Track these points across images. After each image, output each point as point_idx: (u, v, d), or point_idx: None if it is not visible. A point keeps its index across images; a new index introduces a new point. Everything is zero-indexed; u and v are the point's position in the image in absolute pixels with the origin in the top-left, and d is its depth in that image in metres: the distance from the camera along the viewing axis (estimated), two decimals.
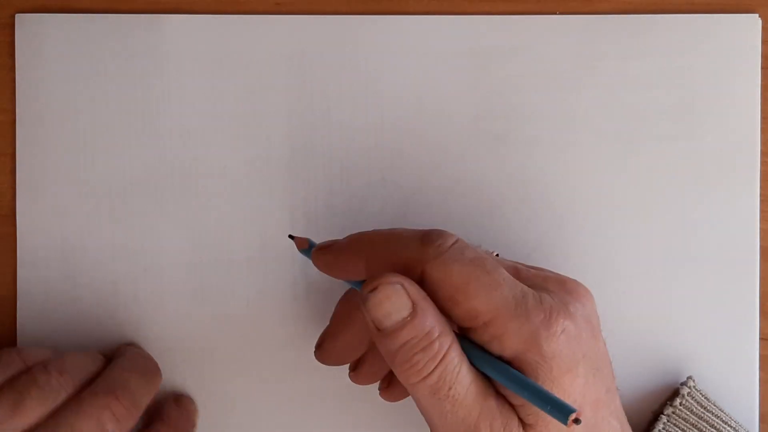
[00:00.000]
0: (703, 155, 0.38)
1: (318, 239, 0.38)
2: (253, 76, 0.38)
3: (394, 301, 0.30)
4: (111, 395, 0.34)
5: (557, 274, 0.32)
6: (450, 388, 0.30)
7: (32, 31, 0.38)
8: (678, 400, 0.35)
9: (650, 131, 0.38)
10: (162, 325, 0.38)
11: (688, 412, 0.35)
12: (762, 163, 0.38)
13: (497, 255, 0.34)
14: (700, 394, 0.35)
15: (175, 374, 0.39)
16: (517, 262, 0.33)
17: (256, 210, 0.39)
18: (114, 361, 0.37)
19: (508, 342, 0.30)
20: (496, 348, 0.30)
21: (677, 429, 0.34)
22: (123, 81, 0.38)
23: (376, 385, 0.38)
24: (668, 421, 0.34)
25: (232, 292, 0.39)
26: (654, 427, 0.33)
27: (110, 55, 0.38)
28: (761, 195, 0.38)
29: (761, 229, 0.38)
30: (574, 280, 0.32)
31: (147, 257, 0.38)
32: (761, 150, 0.38)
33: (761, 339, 0.38)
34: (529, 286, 0.31)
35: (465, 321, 0.30)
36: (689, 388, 0.35)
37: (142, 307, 0.38)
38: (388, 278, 0.30)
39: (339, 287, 0.39)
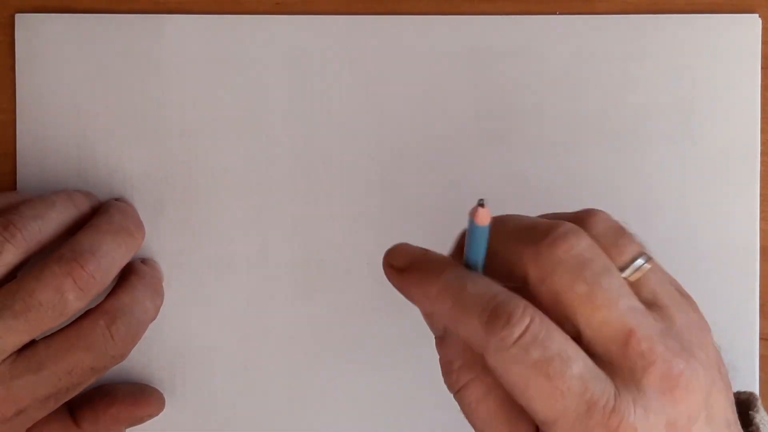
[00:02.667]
0: (703, 155, 0.38)
1: (318, 238, 0.38)
2: (253, 76, 0.38)
3: (428, 322, 0.30)
4: (75, 262, 0.33)
5: (684, 331, 0.28)
6: (470, 414, 0.30)
7: (32, 31, 0.38)
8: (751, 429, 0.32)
9: (650, 131, 0.38)
10: (162, 325, 0.38)
11: None
12: (762, 163, 0.38)
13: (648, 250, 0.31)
14: None
15: (175, 374, 0.39)
16: (666, 290, 0.29)
17: (256, 210, 0.39)
18: (93, 218, 0.36)
19: None
20: None
21: None
22: (123, 81, 0.38)
23: (377, 385, 0.38)
24: None
25: (232, 292, 0.39)
26: None
27: (110, 55, 0.38)
28: (761, 195, 0.38)
29: (761, 229, 0.38)
30: (688, 363, 0.27)
31: (147, 257, 0.38)
32: (761, 150, 0.38)
33: (761, 339, 0.38)
34: (624, 366, 0.27)
35: (529, 413, 0.28)
36: (759, 415, 0.33)
37: None
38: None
39: (339, 287, 0.39)
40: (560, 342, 0.27)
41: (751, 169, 0.38)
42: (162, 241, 0.38)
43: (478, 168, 0.38)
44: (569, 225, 0.29)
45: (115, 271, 0.35)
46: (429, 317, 0.31)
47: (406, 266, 0.30)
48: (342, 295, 0.38)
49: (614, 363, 0.27)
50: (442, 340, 0.30)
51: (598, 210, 0.31)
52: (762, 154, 0.38)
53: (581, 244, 0.28)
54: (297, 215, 0.39)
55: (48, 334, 0.33)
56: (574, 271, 0.28)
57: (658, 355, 0.27)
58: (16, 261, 0.33)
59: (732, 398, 0.30)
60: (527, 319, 0.27)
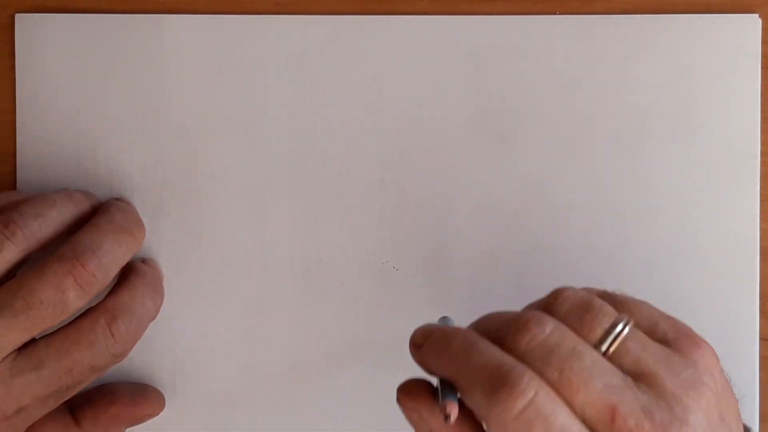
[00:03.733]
0: (703, 155, 0.38)
1: (318, 238, 0.38)
2: (253, 76, 0.38)
3: (411, 423, 0.30)
4: (76, 260, 0.33)
5: (675, 393, 0.28)
6: None
7: (32, 31, 0.38)
8: None
9: (650, 131, 0.38)
10: (162, 325, 0.38)
11: None
12: (762, 163, 0.38)
13: (624, 295, 0.31)
14: None
15: (175, 374, 0.39)
16: (649, 353, 0.29)
17: (257, 210, 0.39)
18: (92, 218, 0.36)
19: None
20: None
21: None
22: (123, 81, 0.38)
23: (377, 385, 0.38)
24: None
25: (232, 291, 0.39)
26: None
27: (110, 55, 0.38)
28: (761, 195, 0.38)
29: (761, 229, 0.38)
30: (683, 430, 0.27)
31: (147, 257, 0.38)
32: (761, 150, 0.38)
33: (761, 339, 0.38)
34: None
35: None
36: None
37: None
38: (402, 398, 0.30)
39: (339, 287, 0.39)
40: (563, 418, 0.27)
41: (751, 169, 0.38)
42: (162, 241, 0.38)
43: (478, 168, 0.38)
44: (531, 313, 0.29)
45: (115, 269, 0.35)
46: (410, 419, 0.30)
47: (424, 341, 0.30)
48: (342, 295, 0.38)
49: None
50: None
51: (563, 289, 0.31)
52: (762, 154, 0.38)
53: (545, 331, 0.28)
54: (297, 215, 0.39)
55: (48, 332, 0.33)
56: (542, 360, 0.28)
57: (646, 430, 0.27)
58: (16, 259, 0.33)
59: (739, 425, 0.30)
60: (532, 392, 0.27)
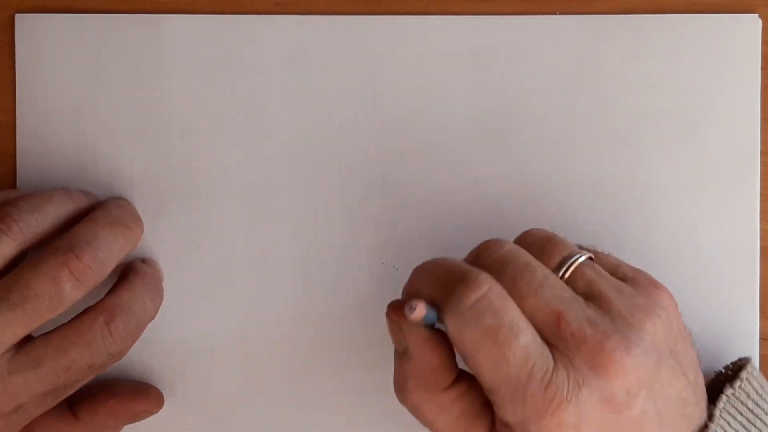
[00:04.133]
0: (703, 155, 0.38)
1: (318, 239, 0.38)
2: (253, 76, 0.38)
3: (392, 335, 0.33)
4: (71, 252, 0.33)
5: (622, 313, 0.30)
6: (428, 426, 0.32)
7: (32, 31, 0.38)
8: (737, 383, 0.34)
9: (650, 131, 0.38)
10: (162, 325, 0.38)
11: (745, 396, 0.34)
12: (762, 163, 0.38)
13: (591, 257, 0.32)
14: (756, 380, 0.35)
15: (175, 374, 0.39)
16: (603, 279, 0.31)
17: (256, 210, 0.39)
18: (90, 213, 0.36)
19: (504, 415, 0.30)
20: (497, 412, 0.30)
21: (736, 411, 0.34)
22: (123, 81, 0.38)
23: (377, 385, 0.38)
24: (727, 401, 0.34)
25: (232, 291, 0.39)
26: (715, 407, 0.33)
27: (110, 55, 0.38)
28: (761, 195, 0.38)
29: (761, 229, 0.38)
30: (620, 342, 0.29)
31: (147, 257, 0.38)
32: (761, 150, 0.38)
33: (761, 339, 0.38)
34: (560, 346, 0.29)
35: (477, 378, 0.31)
36: (748, 372, 0.34)
37: None
38: (388, 312, 0.32)
39: (339, 287, 0.39)
40: (513, 314, 0.29)
41: (751, 169, 0.38)
42: (162, 241, 0.38)
43: (478, 168, 0.38)
44: (492, 239, 0.32)
45: (112, 263, 0.35)
46: (392, 332, 0.33)
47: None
48: (342, 295, 0.38)
49: (551, 343, 0.30)
50: (401, 356, 0.32)
51: (531, 229, 0.34)
52: (762, 154, 0.38)
53: (502, 249, 0.32)
54: (297, 215, 0.39)
55: (47, 329, 0.33)
56: (498, 270, 0.31)
57: (588, 335, 0.29)
58: (13, 253, 0.33)
59: (695, 379, 0.32)
60: (485, 287, 0.30)
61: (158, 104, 0.38)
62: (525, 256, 0.31)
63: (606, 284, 0.31)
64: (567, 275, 0.31)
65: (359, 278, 0.38)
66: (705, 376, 0.33)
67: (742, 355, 0.36)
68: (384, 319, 0.38)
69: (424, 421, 0.32)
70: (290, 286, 0.39)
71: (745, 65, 0.38)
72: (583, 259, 0.32)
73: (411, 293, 0.33)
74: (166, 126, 0.39)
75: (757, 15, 0.38)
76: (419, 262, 0.36)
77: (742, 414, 0.33)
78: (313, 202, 0.39)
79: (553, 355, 0.29)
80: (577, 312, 0.30)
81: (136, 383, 0.38)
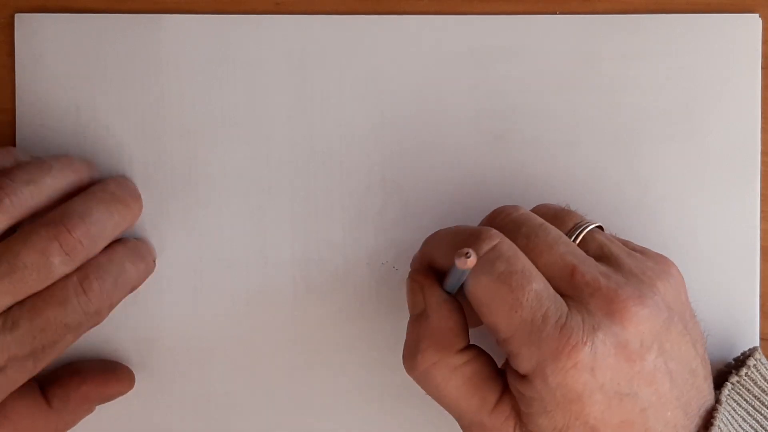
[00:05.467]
0: (703, 155, 0.38)
1: (318, 239, 0.38)
2: (253, 76, 0.38)
3: (411, 297, 0.34)
4: (62, 226, 0.33)
5: (634, 271, 0.31)
6: (439, 394, 0.33)
7: (32, 31, 0.38)
8: (744, 370, 0.34)
9: (650, 131, 0.38)
10: (162, 325, 0.38)
11: (752, 384, 0.34)
12: (762, 163, 0.38)
13: (600, 227, 0.34)
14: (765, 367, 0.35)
15: (175, 374, 0.39)
16: (614, 243, 0.32)
17: (256, 210, 0.39)
18: (88, 188, 0.35)
19: (520, 364, 0.30)
20: (512, 363, 0.31)
21: (741, 398, 0.34)
22: (123, 81, 0.38)
23: (377, 385, 0.38)
24: (732, 389, 0.34)
25: (232, 292, 0.39)
26: (720, 393, 0.33)
27: (110, 55, 0.38)
28: (761, 195, 0.38)
29: (761, 229, 0.38)
30: (633, 292, 0.30)
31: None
32: (761, 150, 0.38)
33: (761, 339, 0.38)
34: (574, 296, 0.30)
35: (490, 332, 0.31)
36: (756, 360, 0.35)
37: (142, 307, 0.38)
38: (412, 273, 0.34)
39: (339, 287, 0.39)
40: (524, 262, 0.31)
41: (751, 169, 0.38)
42: (162, 241, 0.38)
43: (478, 168, 0.38)
44: (506, 204, 0.34)
45: (105, 239, 0.34)
46: (412, 292, 0.34)
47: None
48: (342, 295, 0.38)
49: (566, 294, 0.30)
50: (417, 318, 0.33)
51: (546, 203, 0.35)
52: (762, 154, 0.38)
53: (518, 212, 0.33)
54: (297, 215, 0.39)
55: None
56: (513, 230, 0.32)
57: (602, 284, 0.30)
58: (4, 227, 0.33)
59: (703, 354, 0.32)
60: (496, 239, 0.31)
61: (158, 104, 0.38)
62: (538, 218, 0.33)
63: (617, 247, 0.32)
64: (579, 239, 0.33)
65: (359, 278, 0.38)
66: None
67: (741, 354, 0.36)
68: (385, 318, 0.39)
69: (434, 388, 0.32)
70: (290, 286, 0.39)
71: (745, 65, 0.38)
72: (593, 226, 0.33)
73: (424, 259, 0.34)
74: (166, 126, 0.39)
75: (757, 15, 0.38)
76: None
77: (747, 401, 0.33)
78: (313, 202, 0.39)
79: (567, 304, 0.30)
80: (590, 266, 0.31)
81: (105, 364, 0.38)
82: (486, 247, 0.31)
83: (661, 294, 0.31)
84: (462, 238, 0.32)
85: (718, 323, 0.38)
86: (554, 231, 0.32)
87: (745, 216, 0.38)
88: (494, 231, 0.31)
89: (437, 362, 0.32)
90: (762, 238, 0.38)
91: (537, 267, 0.31)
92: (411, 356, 0.33)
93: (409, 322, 0.34)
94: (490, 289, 0.30)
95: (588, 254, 0.32)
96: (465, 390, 0.32)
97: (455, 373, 0.32)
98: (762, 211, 0.38)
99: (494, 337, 0.31)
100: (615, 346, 0.29)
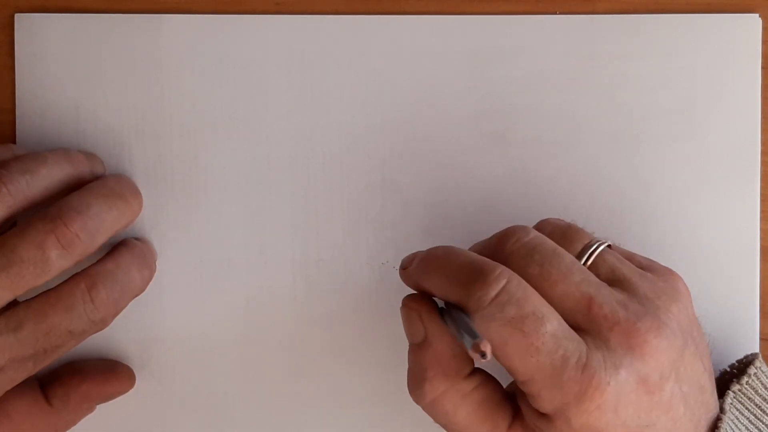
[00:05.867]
0: (703, 155, 0.38)
1: (318, 238, 0.38)
2: (253, 76, 0.38)
3: (409, 326, 0.32)
4: (59, 220, 0.32)
5: (649, 296, 0.30)
6: (448, 422, 0.32)
7: (32, 31, 0.38)
8: (745, 379, 0.34)
9: (650, 131, 0.38)
10: (162, 325, 0.38)
11: (753, 392, 0.34)
12: (762, 163, 0.38)
13: (609, 246, 0.33)
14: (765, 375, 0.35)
15: (175, 374, 0.39)
16: (624, 265, 0.32)
17: (256, 210, 0.39)
18: (87, 184, 0.35)
19: (541, 404, 0.30)
20: (533, 403, 0.30)
21: (743, 407, 0.34)
22: (123, 81, 0.38)
23: (377, 385, 0.38)
24: (734, 397, 0.34)
25: (232, 292, 0.39)
26: (723, 402, 0.33)
27: (110, 55, 0.38)
28: (761, 195, 0.38)
29: (761, 229, 0.38)
30: (652, 324, 0.29)
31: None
32: (761, 150, 0.38)
33: (761, 339, 0.38)
34: (592, 330, 0.29)
35: (508, 372, 0.30)
36: (756, 368, 0.35)
37: (142, 307, 0.38)
38: (407, 301, 0.33)
39: (339, 287, 0.39)
40: (535, 302, 0.29)
41: (751, 169, 0.38)
42: (162, 240, 0.38)
43: (478, 168, 0.38)
44: (516, 225, 0.32)
45: (103, 234, 0.34)
46: (410, 321, 0.32)
47: (410, 262, 0.33)
48: (342, 295, 0.38)
49: (582, 328, 0.29)
50: (418, 347, 0.32)
51: (549, 218, 0.34)
52: (762, 154, 0.38)
53: (528, 236, 0.32)
54: (297, 215, 0.39)
55: (32, 296, 0.33)
56: (525, 257, 0.31)
57: (621, 317, 0.29)
58: (1, 216, 0.33)
59: (710, 367, 0.32)
60: (503, 280, 0.29)
61: (158, 104, 0.38)
62: (551, 242, 0.32)
63: (628, 270, 0.32)
64: (589, 262, 0.32)
65: (359, 278, 0.38)
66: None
67: (742, 356, 0.36)
68: (384, 318, 0.39)
69: (443, 416, 0.32)
70: (290, 286, 0.39)
71: (745, 65, 0.38)
72: (603, 247, 0.32)
73: (419, 282, 0.33)
74: (166, 126, 0.39)
75: (757, 15, 0.38)
76: None
77: (749, 410, 0.33)
78: (313, 202, 0.39)
79: (584, 340, 0.29)
80: (607, 296, 0.30)
81: (106, 363, 0.38)
82: (493, 291, 0.29)
83: (675, 318, 0.30)
84: (466, 276, 0.30)
85: (718, 323, 0.38)
86: (568, 257, 0.31)
87: (745, 216, 0.38)
88: (500, 269, 0.30)
89: (446, 390, 0.31)
90: (762, 238, 0.38)
91: (551, 298, 0.30)
92: (418, 386, 0.32)
93: (410, 351, 0.33)
94: (502, 335, 0.29)
95: (599, 278, 0.31)
96: (476, 417, 0.31)
97: (465, 400, 0.31)
98: (762, 211, 0.38)
99: (512, 377, 0.30)
100: (637, 382, 0.29)
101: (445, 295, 0.31)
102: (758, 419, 0.33)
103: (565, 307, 0.30)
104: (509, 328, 0.29)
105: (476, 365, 0.32)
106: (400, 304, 0.33)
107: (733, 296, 0.38)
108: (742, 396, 0.34)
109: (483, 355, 0.27)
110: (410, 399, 0.38)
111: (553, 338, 0.29)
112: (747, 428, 0.33)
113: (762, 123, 0.38)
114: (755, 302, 0.38)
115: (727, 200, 0.38)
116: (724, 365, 0.36)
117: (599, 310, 0.29)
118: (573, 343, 0.29)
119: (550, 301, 0.30)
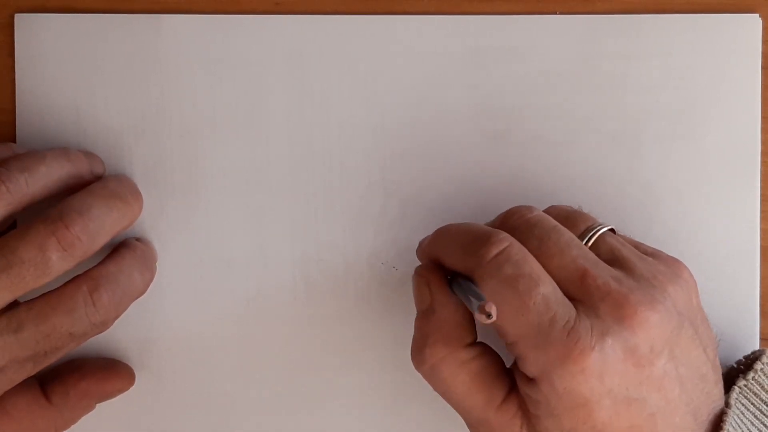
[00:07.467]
0: (704, 155, 0.38)
1: (318, 239, 0.38)
2: (253, 76, 0.38)
3: (418, 292, 0.34)
4: (60, 221, 0.32)
5: (645, 276, 0.31)
6: (446, 389, 0.33)
7: (32, 31, 0.38)
8: (751, 374, 0.35)
9: (650, 131, 0.38)
10: (162, 325, 0.38)
11: (759, 388, 0.34)
12: (762, 163, 0.38)
13: (612, 230, 0.34)
14: None
15: (175, 374, 0.39)
16: (626, 247, 0.32)
17: (256, 210, 0.39)
18: (88, 186, 0.35)
19: (527, 367, 0.30)
20: (520, 365, 0.31)
21: (749, 402, 0.34)
22: (123, 81, 0.38)
23: (377, 385, 0.38)
24: (740, 392, 0.34)
25: (232, 292, 0.39)
26: (728, 397, 0.33)
27: (110, 55, 0.38)
28: (761, 195, 0.38)
29: (761, 229, 0.38)
30: (644, 297, 0.30)
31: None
32: (761, 150, 0.38)
33: (761, 339, 0.38)
34: (584, 300, 0.30)
35: (498, 335, 0.31)
36: (763, 363, 0.35)
37: (142, 307, 0.38)
38: (418, 269, 0.34)
39: (339, 287, 0.39)
40: (533, 265, 0.31)
41: (751, 169, 0.38)
42: (162, 241, 0.38)
43: (478, 168, 0.38)
44: (521, 205, 0.34)
45: (104, 235, 0.34)
46: (419, 288, 0.34)
47: (426, 238, 0.35)
48: (342, 295, 0.38)
49: (575, 298, 0.30)
50: (424, 313, 0.33)
51: (556, 204, 0.36)
52: (762, 154, 0.38)
53: (531, 213, 0.33)
54: (297, 215, 0.39)
55: (33, 297, 0.33)
56: (525, 231, 0.32)
57: (613, 288, 0.30)
58: (1, 215, 0.33)
59: (714, 359, 0.32)
60: (505, 243, 0.31)
61: (158, 104, 0.38)
62: (552, 220, 0.33)
63: (628, 251, 0.32)
64: (591, 243, 0.33)
65: (359, 278, 0.38)
66: None
67: (742, 356, 0.36)
68: (384, 318, 0.39)
69: (441, 383, 0.32)
70: (290, 286, 0.39)
71: (745, 65, 0.38)
72: (605, 229, 0.33)
73: (431, 253, 0.34)
74: (166, 126, 0.39)
75: (757, 15, 0.38)
76: (419, 262, 0.36)
77: (755, 405, 0.33)
78: (313, 202, 0.39)
79: (576, 308, 0.30)
80: (602, 270, 0.31)
81: (106, 361, 0.38)
82: (495, 251, 0.31)
83: (672, 299, 0.30)
84: (471, 241, 0.32)
85: (718, 323, 0.38)
86: (567, 234, 0.32)
87: (745, 216, 0.38)
88: (504, 234, 0.31)
89: (445, 357, 0.32)
90: (762, 238, 0.38)
91: (548, 270, 0.31)
92: (419, 351, 0.33)
93: (416, 318, 0.34)
94: (497, 293, 0.30)
95: (600, 258, 0.32)
96: (472, 386, 0.32)
97: (463, 368, 0.32)
98: (762, 211, 0.38)
99: (502, 339, 0.31)
100: (624, 352, 0.29)
101: (453, 261, 0.33)
102: (764, 414, 0.33)
103: (561, 279, 0.31)
104: (505, 286, 0.30)
105: (479, 340, 0.33)
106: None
107: (733, 296, 0.38)
108: (748, 391, 0.34)
109: (489, 315, 0.28)
110: (410, 399, 0.38)
111: (544, 300, 0.30)
112: (752, 423, 0.33)
113: (762, 123, 0.38)
114: (755, 302, 0.38)
115: (727, 200, 0.38)
116: (725, 365, 0.36)
117: (592, 282, 0.30)
118: (563, 308, 0.30)
119: (548, 272, 0.31)
